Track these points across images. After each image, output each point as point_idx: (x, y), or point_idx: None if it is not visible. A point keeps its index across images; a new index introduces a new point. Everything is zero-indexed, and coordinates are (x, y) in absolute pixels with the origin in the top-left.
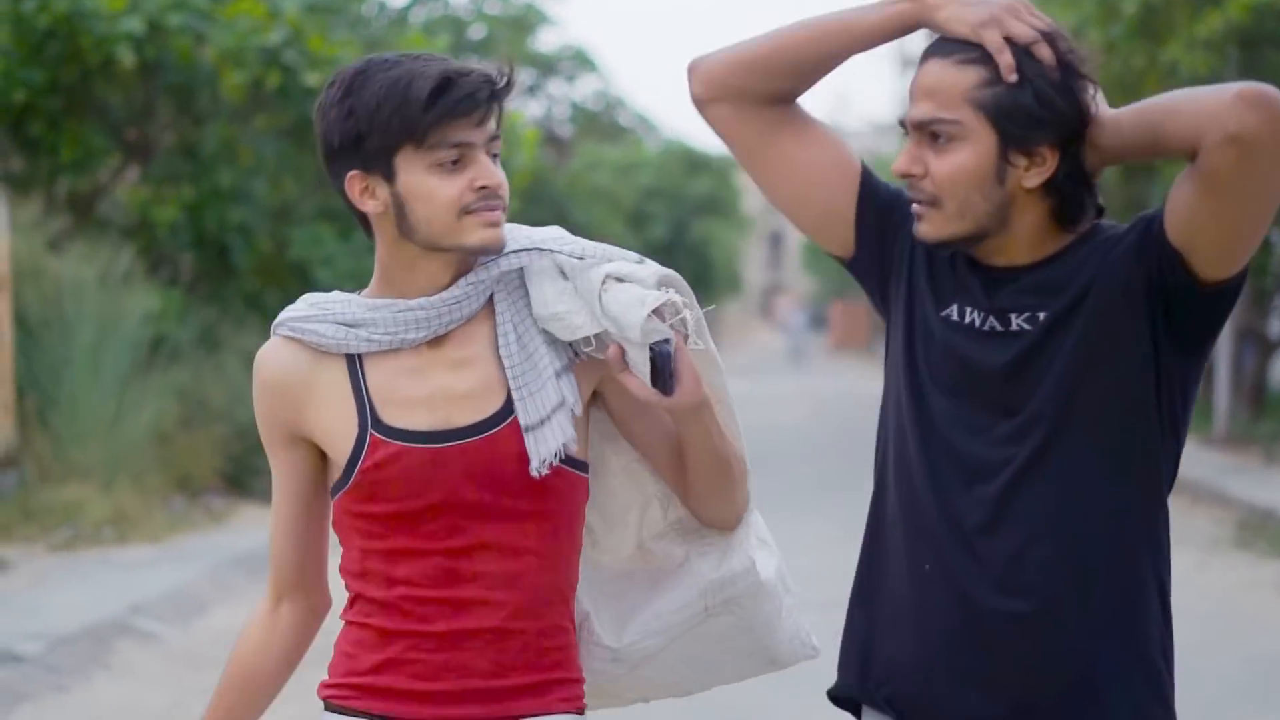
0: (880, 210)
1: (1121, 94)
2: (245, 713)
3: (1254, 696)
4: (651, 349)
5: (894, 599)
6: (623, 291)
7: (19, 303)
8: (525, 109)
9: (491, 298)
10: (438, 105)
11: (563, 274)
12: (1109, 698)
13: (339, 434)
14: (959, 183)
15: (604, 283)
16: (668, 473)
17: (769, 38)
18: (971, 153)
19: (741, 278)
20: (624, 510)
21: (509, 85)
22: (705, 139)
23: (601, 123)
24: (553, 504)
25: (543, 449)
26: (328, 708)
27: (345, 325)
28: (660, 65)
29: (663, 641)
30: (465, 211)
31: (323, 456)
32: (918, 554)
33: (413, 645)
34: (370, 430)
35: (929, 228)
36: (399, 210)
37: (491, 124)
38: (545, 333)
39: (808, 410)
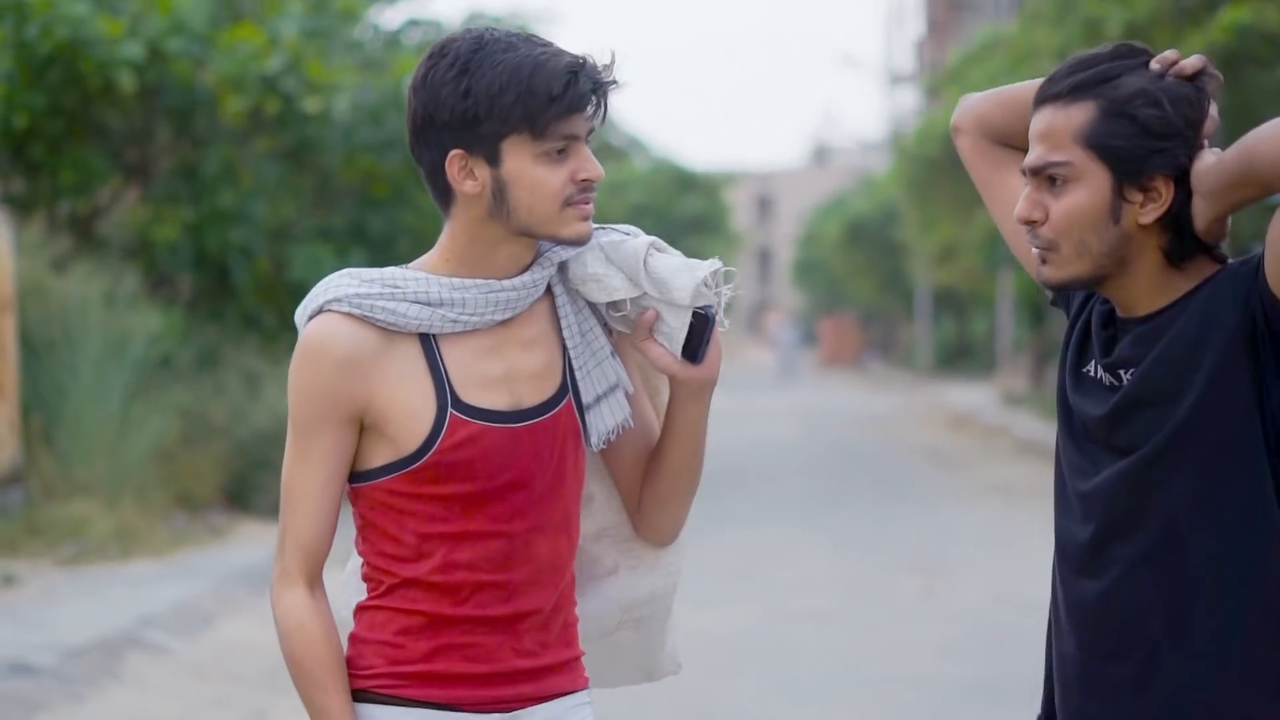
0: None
1: None
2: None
3: None
4: (694, 314)
5: None
6: (668, 259)
7: (24, 322)
8: None
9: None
10: (563, 99)
11: (599, 246)
12: None
13: (412, 415)
14: (1075, 223)
15: (648, 250)
16: (627, 475)
17: (1025, 85)
18: (1086, 192)
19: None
20: None
21: (611, 77)
22: (694, 157)
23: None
24: (578, 486)
25: (601, 426)
26: (372, 699)
27: (426, 304)
28: (649, 87)
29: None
30: (567, 203)
31: (362, 435)
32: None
33: (469, 630)
34: (450, 410)
35: (1050, 271)
36: (498, 193)
37: (602, 113)
38: (596, 314)
39: (798, 425)
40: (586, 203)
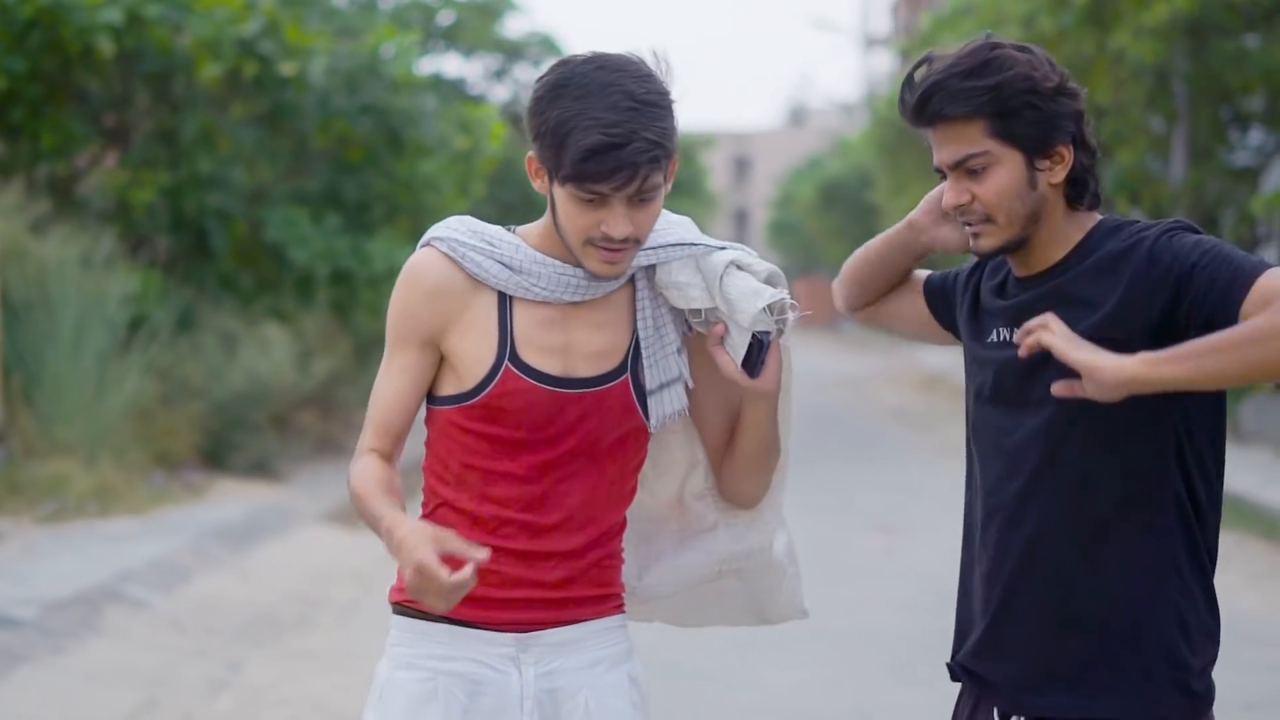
0: (941, 294)
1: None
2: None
3: None
4: (754, 335)
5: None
6: (741, 280)
7: (3, 284)
8: (492, 93)
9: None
10: (576, 168)
11: (693, 254)
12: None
13: (476, 358)
14: (1004, 197)
15: (726, 268)
16: (713, 444)
17: (851, 261)
18: (1005, 172)
19: None
20: (674, 464)
21: (657, 159)
22: None
23: None
24: (629, 453)
25: (660, 410)
26: (400, 611)
27: (508, 268)
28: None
29: (673, 590)
30: (589, 243)
31: (440, 362)
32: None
33: (493, 558)
34: (506, 362)
35: (987, 241)
36: (552, 203)
37: (636, 185)
38: (671, 310)
39: None
40: (610, 250)
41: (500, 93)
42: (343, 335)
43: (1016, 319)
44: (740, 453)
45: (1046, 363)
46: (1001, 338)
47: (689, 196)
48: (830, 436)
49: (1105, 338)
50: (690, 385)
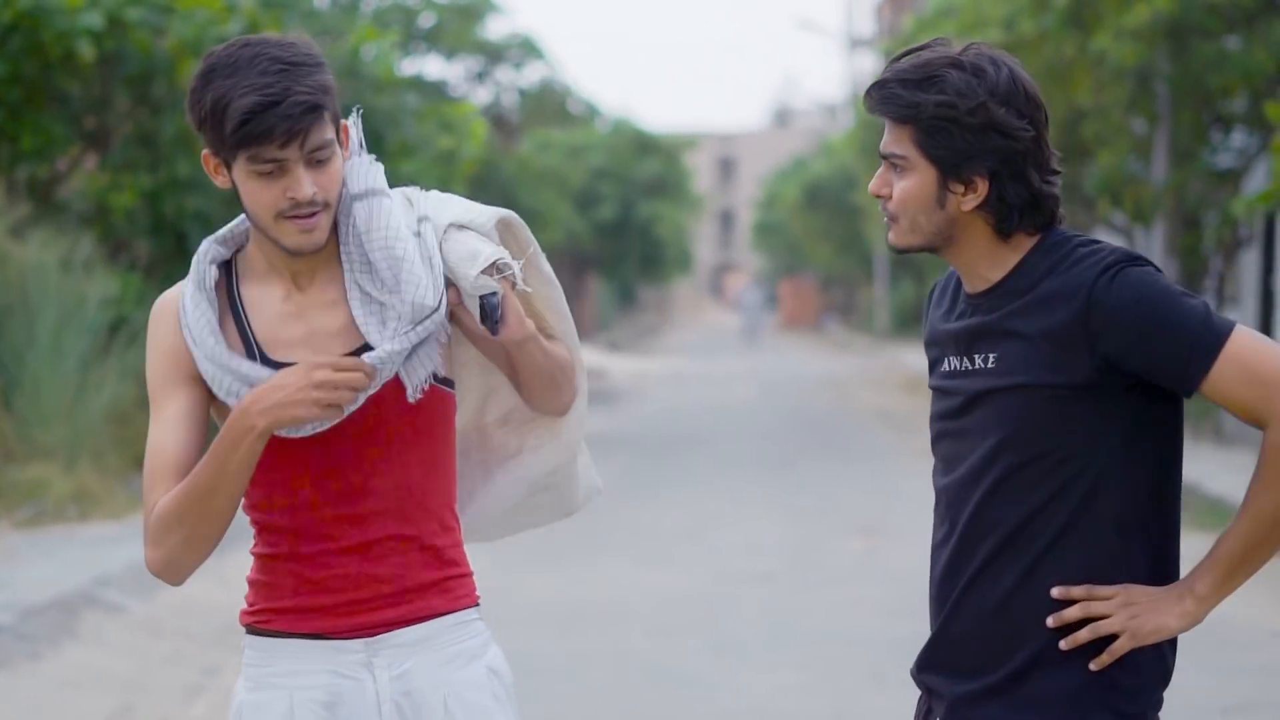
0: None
1: (1052, 82)
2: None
3: None
4: (480, 298)
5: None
6: (460, 243)
7: None
8: (474, 95)
9: (337, 243)
10: (240, 134)
11: (410, 202)
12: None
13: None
14: (908, 204)
15: (446, 230)
16: (507, 373)
17: None
18: (917, 181)
19: (692, 256)
20: (467, 392)
21: (316, 108)
22: (655, 119)
23: (548, 109)
24: (428, 418)
25: (414, 378)
26: (250, 630)
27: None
28: (606, 53)
29: (489, 522)
30: (281, 216)
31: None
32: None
33: (326, 562)
34: (260, 367)
35: (893, 237)
36: (237, 193)
37: (303, 141)
38: None
39: (755, 389)
40: (303, 218)
41: (482, 95)
42: None
43: (964, 348)
44: (525, 385)
45: (989, 394)
46: (952, 366)
47: (672, 197)
48: (812, 438)
49: (1047, 383)
50: (444, 342)
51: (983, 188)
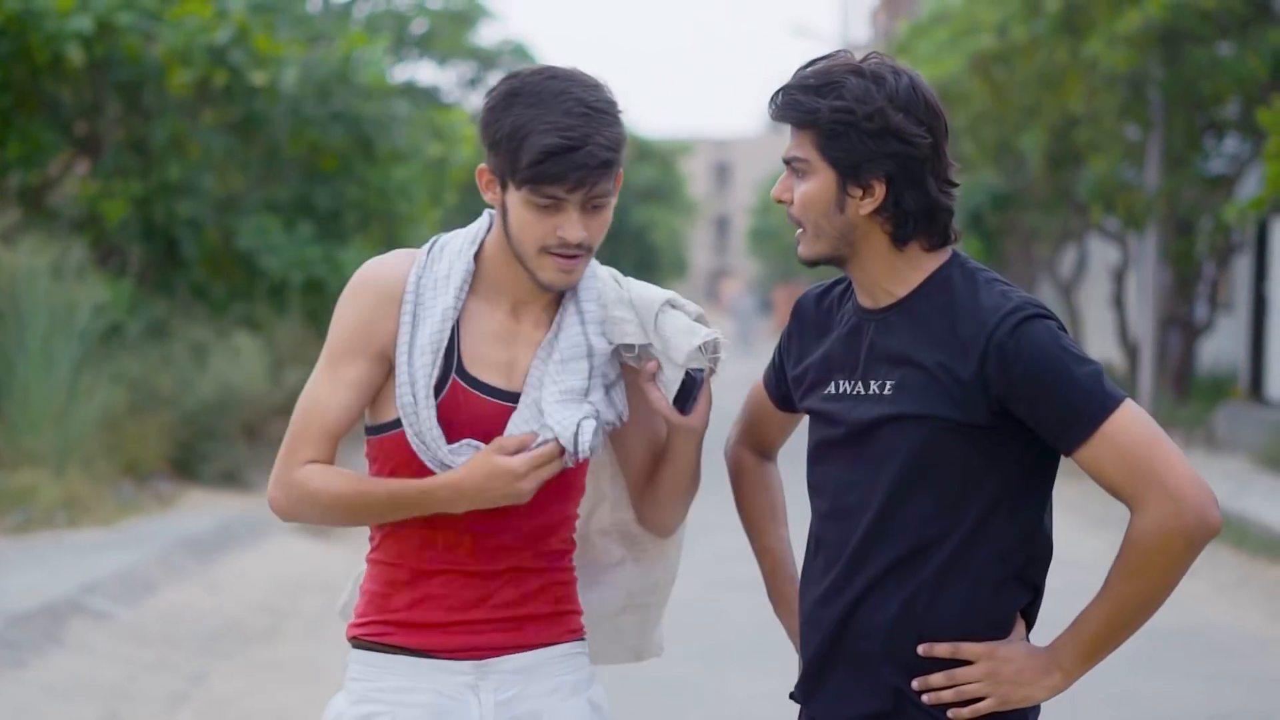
0: (780, 384)
1: (1045, 88)
2: None
3: (1143, 666)
4: (687, 373)
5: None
6: (676, 318)
7: None
8: (466, 102)
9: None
10: (532, 170)
11: (617, 282)
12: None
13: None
14: (809, 208)
15: (661, 306)
16: (636, 477)
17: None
18: (817, 184)
19: (687, 262)
20: (583, 498)
21: (610, 164)
22: (651, 125)
23: None
24: (571, 474)
25: (581, 445)
26: (360, 645)
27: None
28: (600, 59)
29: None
30: (545, 251)
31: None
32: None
33: (447, 581)
34: (453, 375)
35: (802, 248)
36: (503, 214)
37: (590, 189)
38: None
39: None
40: (565, 258)
41: (474, 101)
42: (315, 344)
43: (859, 371)
44: (664, 484)
45: (885, 421)
46: (841, 389)
47: (667, 204)
48: (803, 444)
49: (944, 416)
50: (616, 426)
51: (880, 191)
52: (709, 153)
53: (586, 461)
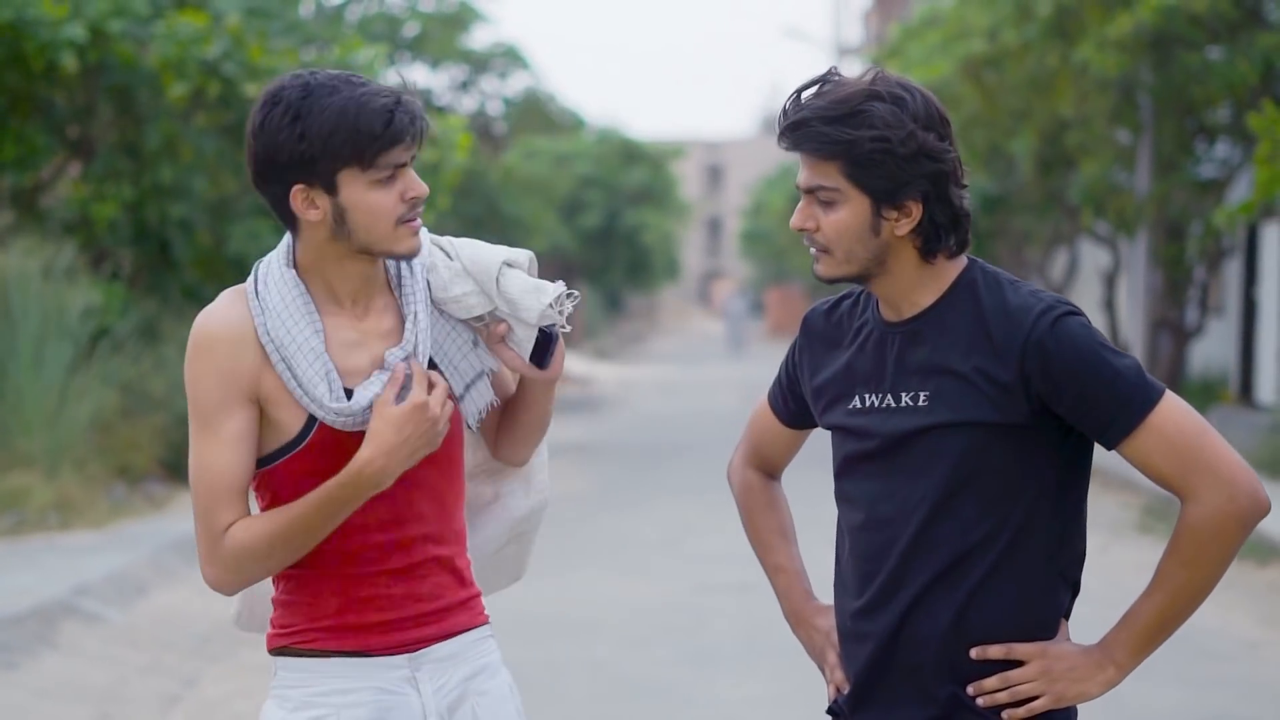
0: (790, 402)
1: (1035, 92)
2: None
3: (1140, 673)
4: (541, 330)
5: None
6: (517, 278)
7: None
8: (459, 104)
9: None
10: (384, 137)
11: (445, 253)
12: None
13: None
14: (843, 236)
15: (500, 268)
16: (488, 420)
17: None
18: (849, 212)
19: (679, 264)
20: None
21: (423, 108)
22: (643, 127)
23: (533, 118)
24: (455, 448)
25: (473, 408)
26: (285, 653)
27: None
28: (592, 61)
29: (476, 567)
30: (399, 221)
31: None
32: None
33: (374, 583)
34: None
35: (824, 269)
36: (338, 218)
37: (420, 142)
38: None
39: (739, 398)
40: (415, 219)
41: (467, 104)
42: None
43: (886, 384)
44: (521, 428)
45: (924, 432)
46: (868, 403)
47: (659, 206)
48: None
49: (986, 421)
50: (496, 370)
51: (916, 212)
52: (701, 155)
53: (459, 422)
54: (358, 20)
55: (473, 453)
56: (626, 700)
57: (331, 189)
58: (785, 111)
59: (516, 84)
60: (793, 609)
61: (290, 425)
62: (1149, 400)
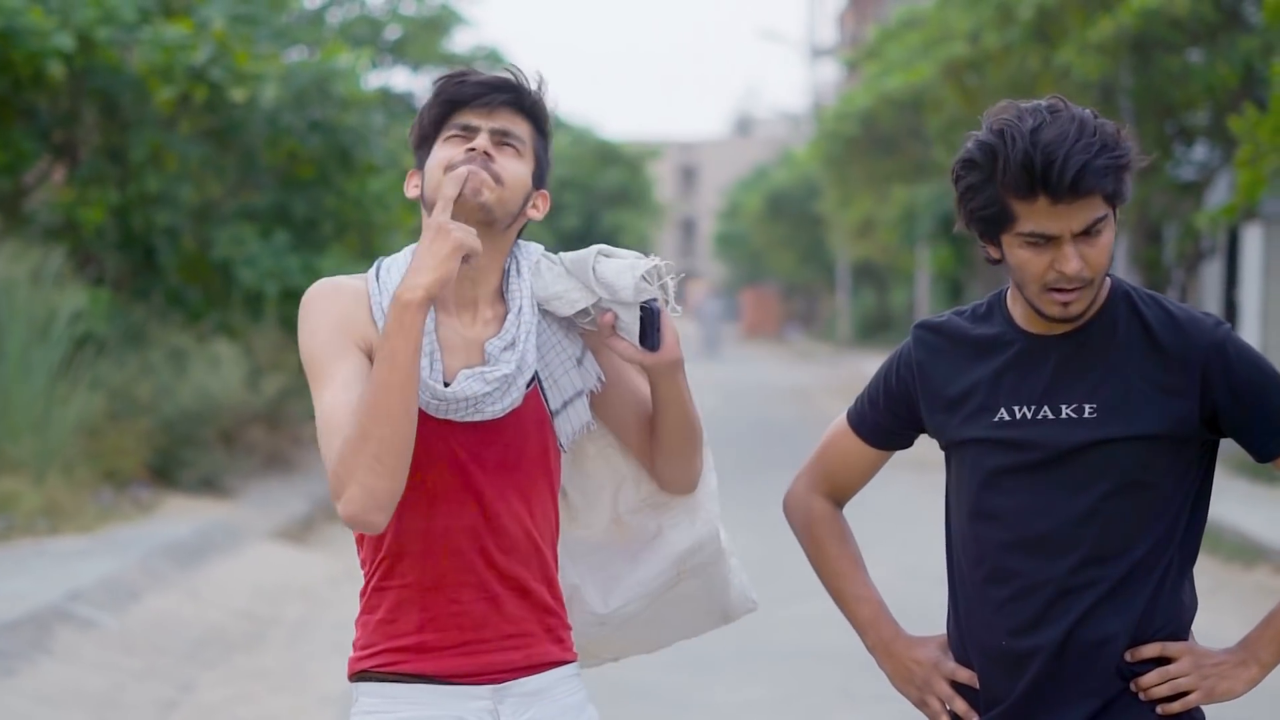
0: (886, 424)
1: (1017, 95)
2: None
3: None
4: (641, 307)
5: None
6: (612, 262)
7: None
8: None
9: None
10: (450, 92)
11: (548, 259)
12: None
13: None
14: (1108, 254)
15: (595, 258)
16: (637, 441)
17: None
18: (1109, 230)
19: None
20: (599, 489)
21: (512, 85)
22: (617, 128)
23: None
24: (539, 464)
25: (568, 428)
26: (366, 678)
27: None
28: (570, 63)
29: (643, 605)
30: (454, 175)
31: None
32: None
33: (454, 596)
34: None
35: (1080, 305)
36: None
37: (493, 112)
38: (561, 325)
39: (718, 399)
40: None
41: None
42: (292, 351)
43: (1038, 395)
44: (664, 436)
45: (1093, 445)
46: (1021, 415)
47: (635, 207)
48: (778, 449)
49: (1157, 433)
50: (597, 390)
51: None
52: (675, 155)
53: (556, 452)
54: (339, 24)
55: (637, 488)
56: (622, 705)
57: (428, 140)
58: (1044, 166)
59: None
60: (881, 640)
61: None
62: None
